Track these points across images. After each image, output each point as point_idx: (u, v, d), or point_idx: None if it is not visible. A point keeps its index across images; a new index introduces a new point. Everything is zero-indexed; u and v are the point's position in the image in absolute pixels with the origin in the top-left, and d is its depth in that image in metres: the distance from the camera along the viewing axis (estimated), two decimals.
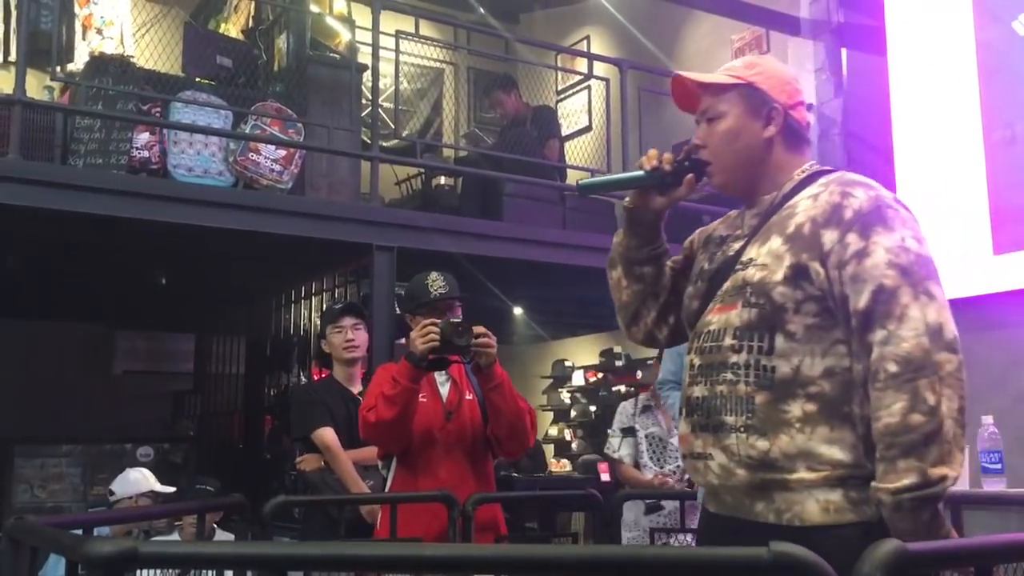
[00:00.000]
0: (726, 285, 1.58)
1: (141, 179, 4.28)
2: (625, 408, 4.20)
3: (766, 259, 1.53)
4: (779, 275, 1.50)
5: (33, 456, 5.96)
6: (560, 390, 8.97)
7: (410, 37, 5.28)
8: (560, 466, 7.72)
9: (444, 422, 2.73)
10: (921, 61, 5.13)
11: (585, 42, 8.27)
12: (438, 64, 8.15)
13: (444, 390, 2.81)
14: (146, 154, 4.39)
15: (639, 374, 7.97)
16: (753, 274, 1.53)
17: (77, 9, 5.55)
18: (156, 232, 4.26)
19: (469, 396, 2.81)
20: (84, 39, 5.63)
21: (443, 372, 2.80)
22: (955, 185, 4.73)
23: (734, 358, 1.52)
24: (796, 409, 1.47)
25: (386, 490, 2.81)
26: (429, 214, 5.28)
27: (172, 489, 4.04)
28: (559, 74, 7.76)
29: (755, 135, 1.62)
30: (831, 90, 5.98)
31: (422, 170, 6.41)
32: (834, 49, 6.00)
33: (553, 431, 8.90)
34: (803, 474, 1.45)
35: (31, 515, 1.83)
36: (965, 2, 4.84)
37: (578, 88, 8.13)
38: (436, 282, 2.81)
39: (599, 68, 6.19)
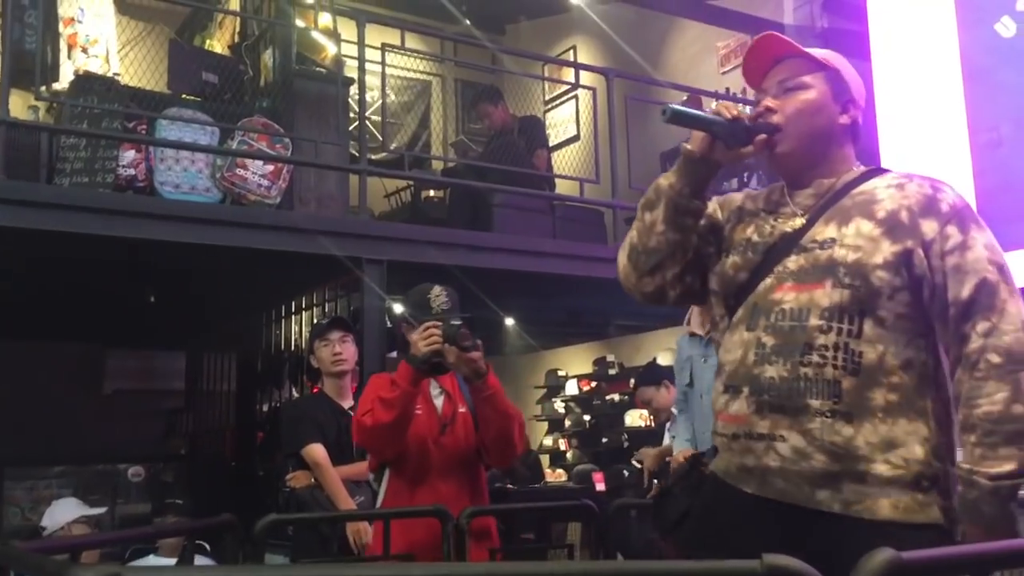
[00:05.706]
0: (799, 263, 1.57)
1: (128, 197, 4.26)
2: None
3: (857, 240, 1.53)
4: (878, 258, 1.50)
5: (24, 479, 5.93)
6: (554, 400, 8.95)
7: (396, 50, 5.27)
8: (556, 476, 7.70)
9: (439, 435, 2.71)
10: (905, 65, 5.15)
11: (572, 52, 8.29)
12: (425, 76, 8.17)
13: (439, 403, 2.78)
14: (132, 172, 4.37)
15: (631, 382, 7.97)
16: (845, 255, 1.52)
17: (61, 28, 5.51)
18: (144, 250, 4.24)
19: (463, 409, 2.78)
20: (69, 58, 5.60)
21: (437, 386, 2.78)
22: None
23: (821, 339, 1.50)
24: (879, 397, 1.48)
25: (378, 504, 2.78)
26: (418, 226, 5.27)
27: (103, 509, 4.14)
28: (546, 84, 7.77)
29: (832, 117, 1.65)
30: None
31: (411, 182, 6.40)
32: None
33: (548, 441, 8.88)
34: (880, 468, 1.45)
35: (16, 540, 1.81)
36: (947, 5, 4.86)
37: (565, 98, 8.15)
38: (439, 298, 2.77)
39: (586, 78, 6.19)
